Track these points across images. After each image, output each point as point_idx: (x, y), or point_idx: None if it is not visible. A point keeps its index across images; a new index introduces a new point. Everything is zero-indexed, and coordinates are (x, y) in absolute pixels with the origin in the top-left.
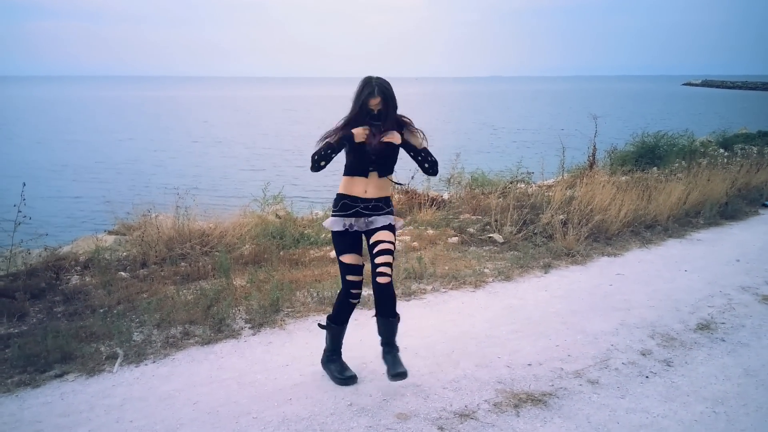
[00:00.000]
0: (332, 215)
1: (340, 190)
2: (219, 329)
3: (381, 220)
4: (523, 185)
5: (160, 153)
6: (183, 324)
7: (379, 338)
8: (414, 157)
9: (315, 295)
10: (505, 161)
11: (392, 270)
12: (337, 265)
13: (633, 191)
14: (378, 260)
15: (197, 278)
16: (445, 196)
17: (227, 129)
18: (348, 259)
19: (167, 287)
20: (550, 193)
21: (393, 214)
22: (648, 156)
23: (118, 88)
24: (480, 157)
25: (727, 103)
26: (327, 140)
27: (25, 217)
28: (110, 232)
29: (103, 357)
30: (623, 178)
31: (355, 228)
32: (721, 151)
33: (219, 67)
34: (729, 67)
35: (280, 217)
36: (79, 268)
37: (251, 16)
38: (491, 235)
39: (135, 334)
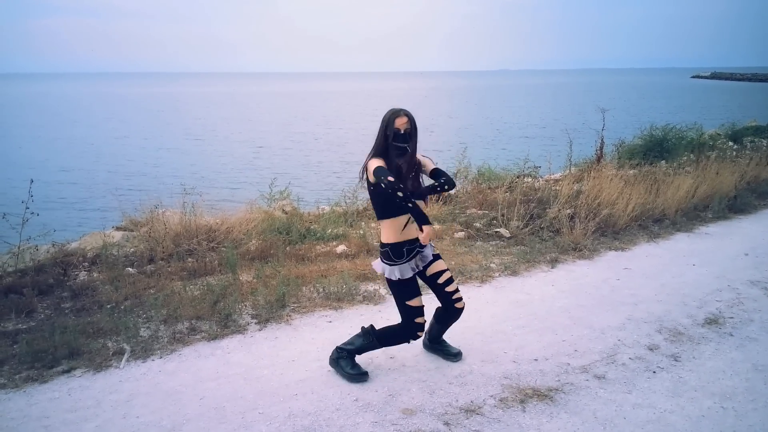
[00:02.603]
0: (396, 264)
1: (396, 239)
2: (225, 325)
3: (429, 251)
4: (530, 179)
5: (164, 150)
6: (190, 319)
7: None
8: (434, 179)
9: (321, 290)
10: (512, 155)
11: None
12: (342, 261)
13: (641, 185)
14: (449, 288)
15: (204, 274)
16: (452, 190)
17: (230, 126)
18: (417, 302)
19: (174, 283)
20: (557, 188)
21: None
22: (656, 149)
23: (122, 85)
24: (486, 152)
25: (737, 95)
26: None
27: (32, 213)
28: (118, 228)
29: (110, 353)
30: (631, 171)
31: (420, 267)
32: (730, 144)
33: (225, 63)
34: (739, 59)
35: (286, 213)
36: (86, 264)
37: (257, 10)
38: (498, 229)
39: (142, 329)
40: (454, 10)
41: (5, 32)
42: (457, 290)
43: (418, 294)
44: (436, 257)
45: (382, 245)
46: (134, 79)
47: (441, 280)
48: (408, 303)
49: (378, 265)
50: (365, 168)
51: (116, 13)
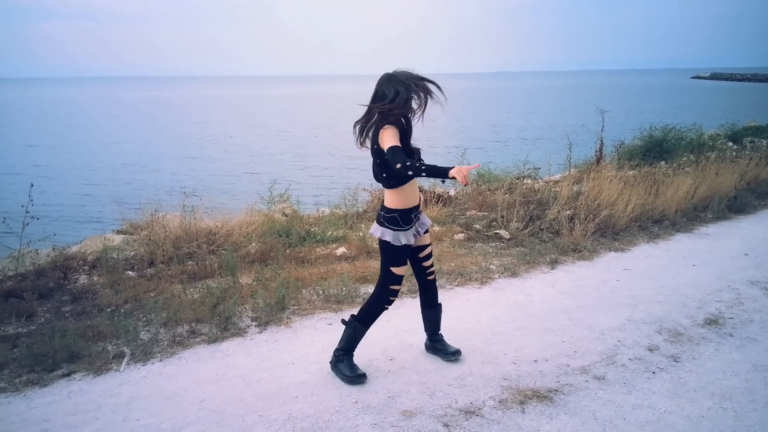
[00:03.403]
0: (404, 230)
1: (402, 205)
2: (225, 327)
3: (427, 219)
4: (529, 181)
5: (163, 154)
6: (189, 322)
7: (424, 333)
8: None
9: (321, 292)
10: (512, 157)
11: None
12: (342, 264)
13: (640, 186)
14: (427, 263)
15: (204, 277)
16: (452, 192)
17: (229, 129)
18: (401, 271)
19: (174, 286)
20: (557, 189)
21: None
22: (656, 150)
23: (120, 89)
24: (486, 153)
25: (736, 95)
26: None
27: (33, 217)
28: (118, 232)
29: (110, 356)
30: (631, 172)
31: (420, 233)
32: (730, 144)
33: (222, 67)
34: (739, 60)
35: (286, 215)
36: (87, 267)
37: (255, 14)
38: (498, 231)
39: (142, 332)
40: (456, 14)
41: (3, 37)
42: (432, 265)
43: (405, 264)
44: (427, 230)
45: (389, 210)
46: (133, 83)
47: (425, 253)
48: (393, 269)
49: (378, 229)
50: (375, 133)
51: (113, 18)
